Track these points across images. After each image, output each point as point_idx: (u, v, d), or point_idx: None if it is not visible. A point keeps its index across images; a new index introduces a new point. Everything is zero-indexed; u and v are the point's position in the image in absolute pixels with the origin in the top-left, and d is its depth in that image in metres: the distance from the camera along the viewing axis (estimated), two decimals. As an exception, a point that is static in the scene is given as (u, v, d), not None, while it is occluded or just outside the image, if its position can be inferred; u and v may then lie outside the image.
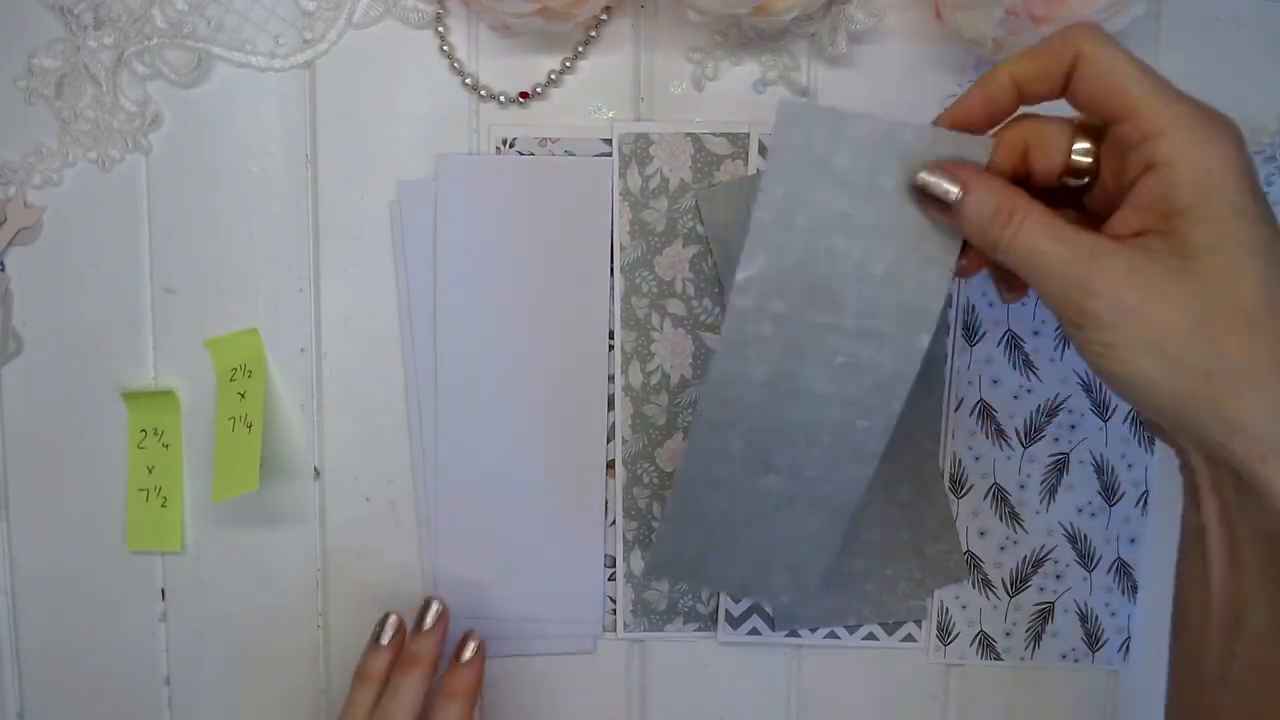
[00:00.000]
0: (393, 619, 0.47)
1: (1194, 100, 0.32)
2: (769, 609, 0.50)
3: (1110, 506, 0.50)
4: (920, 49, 0.49)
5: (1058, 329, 0.49)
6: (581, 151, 0.48)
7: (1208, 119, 0.32)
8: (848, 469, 0.40)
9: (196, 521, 0.50)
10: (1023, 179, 0.36)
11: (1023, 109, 0.36)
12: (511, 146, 0.48)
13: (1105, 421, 0.50)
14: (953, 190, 0.35)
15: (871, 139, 0.36)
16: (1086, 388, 0.50)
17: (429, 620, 0.46)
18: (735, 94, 0.48)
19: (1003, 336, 0.50)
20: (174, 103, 0.48)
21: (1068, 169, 0.36)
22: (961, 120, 0.36)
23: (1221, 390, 0.32)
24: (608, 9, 0.47)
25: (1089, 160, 0.35)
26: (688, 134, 0.48)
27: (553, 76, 0.48)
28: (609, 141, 0.48)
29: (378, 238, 0.49)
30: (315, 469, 0.50)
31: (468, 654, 0.46)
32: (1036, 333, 0.50)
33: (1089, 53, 0.33)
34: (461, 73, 0.48)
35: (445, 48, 0.48)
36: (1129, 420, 0.50)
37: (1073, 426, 0.50)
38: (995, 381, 0.50)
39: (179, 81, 0.48)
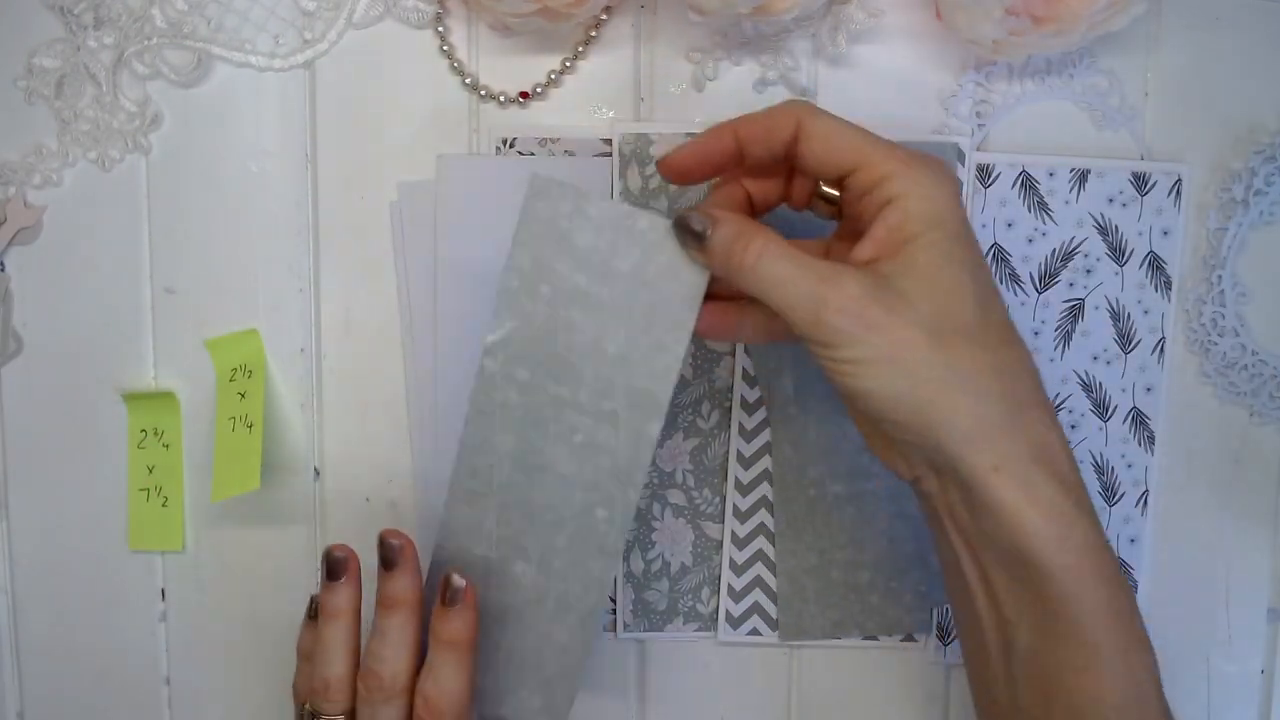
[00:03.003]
0: (342, 552, 0.41)
1: (908, 148, 0.37)
2: (771, 613, 0.50)
3: (1110, 506, 0.50)
4: (920, 49, 0.49)
5: (1058, 329, 0.49)
6: (581, 151, 0.48)
7: (927, 161, 0.36)
8: (593, 565, 0.41)
9: (196, 521, 0.50)
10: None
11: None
12: (511, 146, 0.48)
13: (1105, 421, 0.50)
14: (704, 223, 0.38)
15: (611, 222, 0.39)
16: (1086, 388, 0.50)
17: (393, 557, 0.40)
18: (735, 94, 0.48)
19: (1003, 336, 0.50)
20: (174, 103, 0.48)
21: (809, 203, 0.41)
22: (682, 163, 0.40)
23: (956, 399, 0.34)
24: (608, 9, 0.47)
25: (835, 193, 0.39)
26: (688, 134, 0.48)
27: (553, 76, 0.48)
28: (609, 141, 0.48)
29: (378, 238, 0.49)
30: (315, 469, 0.50)
31: (455, 598, 0.40)
32: (1036, 333, 0.50)
33: (808, 123, 0.37)
34: (461, 73, 0.48)
35: (445, 48, 0.48)
36: (1129, 420, 0.50)
37: (1073, 426, 0.50)
38: (995, 381, 0.50)
39: (179, 81, 0.48)
